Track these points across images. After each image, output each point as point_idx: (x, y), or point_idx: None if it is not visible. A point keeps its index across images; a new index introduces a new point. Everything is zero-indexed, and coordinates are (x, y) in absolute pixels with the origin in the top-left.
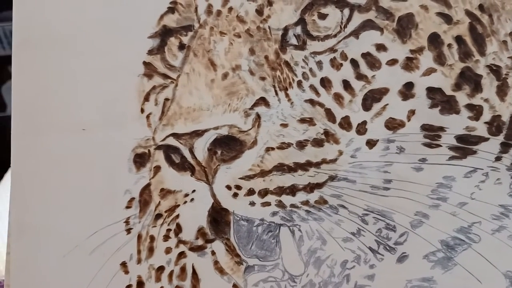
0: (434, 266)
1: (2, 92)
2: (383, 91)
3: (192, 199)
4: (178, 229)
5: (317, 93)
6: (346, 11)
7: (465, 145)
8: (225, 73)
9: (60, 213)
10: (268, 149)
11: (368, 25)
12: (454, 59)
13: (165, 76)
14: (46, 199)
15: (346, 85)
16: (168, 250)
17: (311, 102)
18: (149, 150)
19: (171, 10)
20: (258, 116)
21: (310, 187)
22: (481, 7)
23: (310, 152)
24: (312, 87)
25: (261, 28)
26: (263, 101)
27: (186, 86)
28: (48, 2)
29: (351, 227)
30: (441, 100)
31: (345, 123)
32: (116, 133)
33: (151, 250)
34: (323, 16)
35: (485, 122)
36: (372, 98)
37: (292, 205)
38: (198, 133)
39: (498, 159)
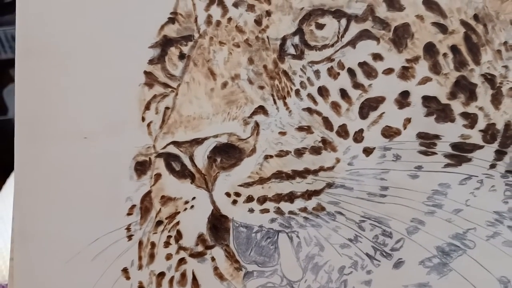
0: (429, 272)
1: (3, 95)
2: (380, 100)
3: (192, 206)
4: (179, 235)
5: (315, 102)
6: (343, 21)
7: (460, 153)
8: (225, 82)
9: (62, 220)
10: (267, 157)
11: (364, 35)
12: (449, 68)
13: (166, 85)
14: (48, 206)
15: (343, 93)
16: (168, 257)
17: (309, 110)
18: (150, 158)
19: (172, 20)
20: (257, 125)
21: (308, 194)
22: (476, 17)
23: (308, 159)
24: (309, 95)
25: (260, 38)
26: (261, 109)
27: (186, 95)
28: (50, 11)
29: (348, 234)
30: (436, 109)
31: (342, 131)
32: (117, 141)
33: (152, 257)
34: (320, 26)
35: (480, 130)
36: (368, 106)
37: (291, 212)
38: (198, 141)
39: (492, 166)
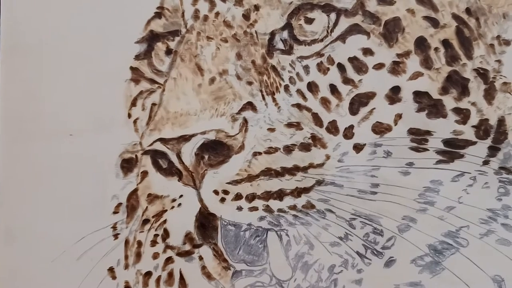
0: (422, 271)
1: None
2: (370, 95)
3: (179, 204)
4: (166, 234)
5: (304, 98)
6: (333, 16)
7: (453, 149)
8: (212, 78)
9: (47, 219)
10: (256, 154)
11: (354, 29)
12: (441, 62)
13: (152, 81)
14: (34, 205)
15: (333, 89)
16: (155, 256)
17: (298, 106)
18: (136, 155)
19: (158, 15)
20: (245, 121)
21: (298, 192)
22: (468, 11)
23: (297, 156)
24: (299, 91)
25: (248, 33)
26: (250, 105)
27: (173, 91)
28: (36, 9)
29: (338, 232)
30: (428, 104)
31: (332, 128)
32: (104, 138)
33: (138, 256)
34: (309, 21)
35: (473, 126)
36: (359, 102)
37: (280, 210)
38: (185, 138)
39: (486, 163)
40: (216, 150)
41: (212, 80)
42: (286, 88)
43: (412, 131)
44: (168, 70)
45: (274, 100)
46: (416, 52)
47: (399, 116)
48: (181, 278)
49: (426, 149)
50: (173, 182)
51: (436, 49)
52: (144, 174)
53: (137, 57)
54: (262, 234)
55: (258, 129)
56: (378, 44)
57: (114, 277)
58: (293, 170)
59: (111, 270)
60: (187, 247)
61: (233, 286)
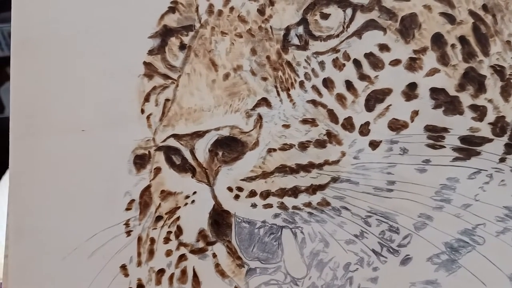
0: (438, 269)
1: (0, 93)
2: (386, 92)
3: (193, 201)
4: (179, 231)
5: (320, 94)
6: (349, 11)
7: (469, 146)
8: (227, 73)
9: (59, 215)
10: (270, 150)
11: (371, 25)
12: (458, 59)
13: (166, 77)
14: (44, 201)
15: (349, 85)
16: (168, 253)
17: (314, 102)
18: (149, 151)
19: (172, 9)
20: (259, 117)
21: (313, 189)
22: (484, 7)
23: (312, 153)
24: (314, 87)
25: (263, 28)
26: (264, 101)
27: (187, 86)
28: (46, 3)
29: (354, 229)
30: (444, 101)
31: (348, 124)
32: (116, 134)
33: (151, 253)
34: (325, 16)
35: (489, 123)
36: (375, 98)
37: (294, 207)
38: (199, 134)
39: (502, 160)
40: (230, 147)
41: (227, 76)
42: (301, 84)
43: (428, 128)
44: (181, 65)
45: (289, 96)
46: (433, 48)
47: (415, 113)
48: (195, 275)
49: (442, 146)
50: (186, 179)
51: (453, 45)
52: (157, 170)
53: (150, 52)
54: (276, 231)
55: (272, 125)
56: (394, 40)
57: (126, 275)
58: (308, 167)
59: (123, 267)
60: (201, 244)
61: (247, 284)
